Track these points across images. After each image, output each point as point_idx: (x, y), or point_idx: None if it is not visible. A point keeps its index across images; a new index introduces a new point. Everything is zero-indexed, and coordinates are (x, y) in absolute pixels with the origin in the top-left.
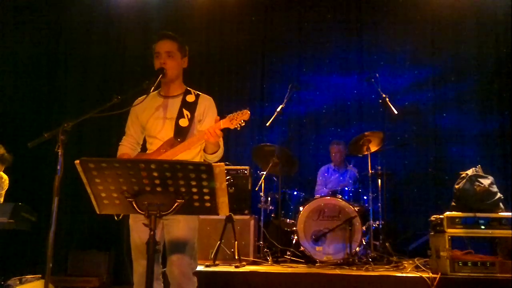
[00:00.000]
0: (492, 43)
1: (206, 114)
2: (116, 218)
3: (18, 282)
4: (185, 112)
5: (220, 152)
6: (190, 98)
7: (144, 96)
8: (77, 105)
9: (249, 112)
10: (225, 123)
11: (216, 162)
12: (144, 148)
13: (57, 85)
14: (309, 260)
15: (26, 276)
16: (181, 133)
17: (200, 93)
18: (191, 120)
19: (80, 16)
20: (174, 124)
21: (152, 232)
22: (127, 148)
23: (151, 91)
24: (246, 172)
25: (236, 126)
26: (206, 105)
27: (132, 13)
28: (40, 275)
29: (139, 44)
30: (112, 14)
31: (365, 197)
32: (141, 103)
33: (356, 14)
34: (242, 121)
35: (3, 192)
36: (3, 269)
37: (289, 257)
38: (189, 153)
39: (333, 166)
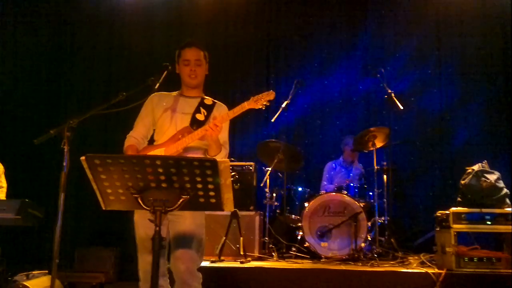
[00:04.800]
0: (499, 39)
1: None
2: None
3: (25, 278)
4: (202, 110)
5: (222, 155)
6: (208, 101)
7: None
8: (83, 102)
9: (274, 93)
10: (250, 104)
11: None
12: (151, 142)
13: (63, 82)
14: (314, 256)
15: (33, 272)
16: (197, 124)
17: (217, 101)
18: (207, 117)
19: (86, 12)
20: (191, 117)
21: (157, 228)
22: (135, 140)
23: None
24: (251, 168)
25: (261, 106)
26: (221, 111)
27: (138, 8)
28: (46, 271)
29: (144, 40)
30: (117, 9)
31: (370, 193)
32: (160, 95)
33: (362, 9)
34: (267, 101)
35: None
36: (10, 265)
37: (294, 253)
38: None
39: (342, 162)
